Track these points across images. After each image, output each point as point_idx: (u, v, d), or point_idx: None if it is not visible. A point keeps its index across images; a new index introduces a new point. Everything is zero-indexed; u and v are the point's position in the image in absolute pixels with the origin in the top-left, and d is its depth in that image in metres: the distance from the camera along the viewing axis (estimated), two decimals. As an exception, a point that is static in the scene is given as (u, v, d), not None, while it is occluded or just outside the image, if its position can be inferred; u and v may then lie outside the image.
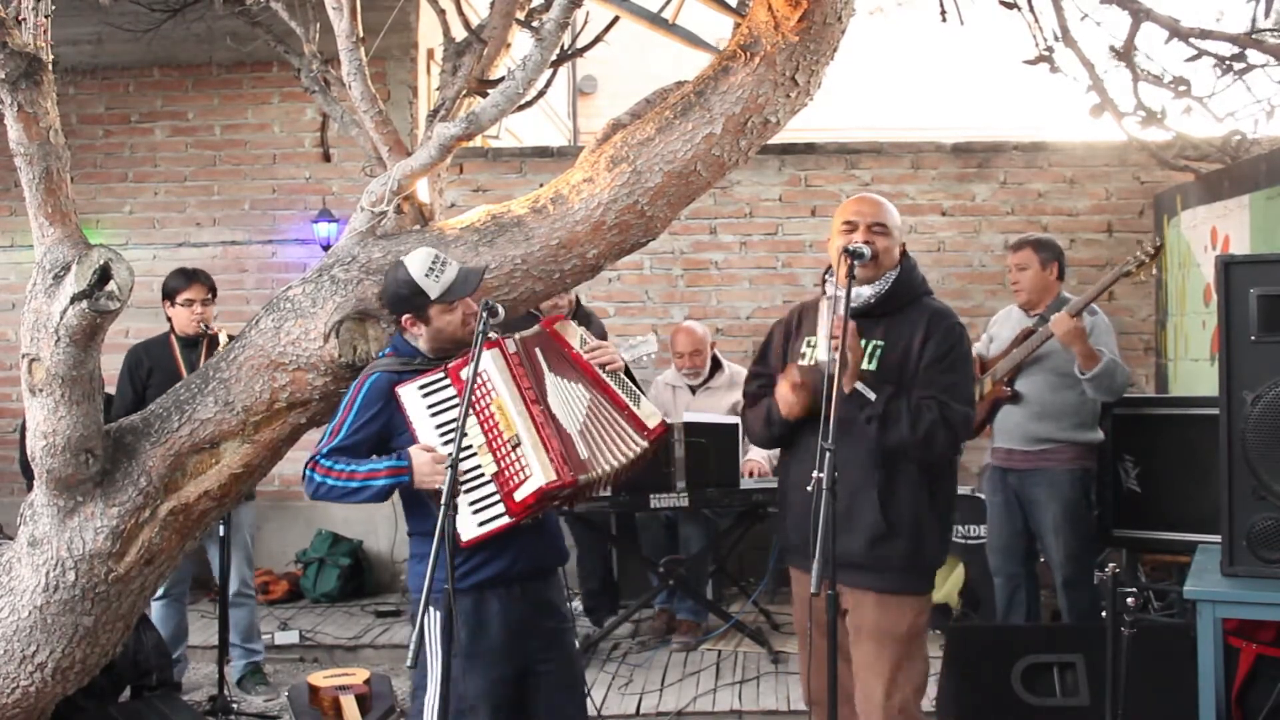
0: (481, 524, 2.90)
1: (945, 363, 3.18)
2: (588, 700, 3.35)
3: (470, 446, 2.93)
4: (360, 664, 5.32)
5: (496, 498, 2.92)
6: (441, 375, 2.99)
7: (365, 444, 3.00)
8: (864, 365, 3.19)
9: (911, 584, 3.20)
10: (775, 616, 5.85)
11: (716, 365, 5.91)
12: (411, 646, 2.65)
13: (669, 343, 6.06)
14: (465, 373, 2.91)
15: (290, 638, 5.81)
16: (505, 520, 2.92)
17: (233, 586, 5.04)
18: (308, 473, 3.00)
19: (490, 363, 2.96)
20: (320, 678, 4.67)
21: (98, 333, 2.99)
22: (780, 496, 3.52)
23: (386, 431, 3.02)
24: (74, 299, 2.89)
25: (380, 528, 6.86)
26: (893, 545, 3.14)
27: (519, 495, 2.91)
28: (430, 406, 2.97)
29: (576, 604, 5.66)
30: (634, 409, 3.08)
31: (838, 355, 2.95)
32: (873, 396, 3.11)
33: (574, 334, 3.15)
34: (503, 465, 2.92)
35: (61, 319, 2.91)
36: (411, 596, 3.07)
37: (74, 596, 3.18)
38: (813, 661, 3.18)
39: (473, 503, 2.91)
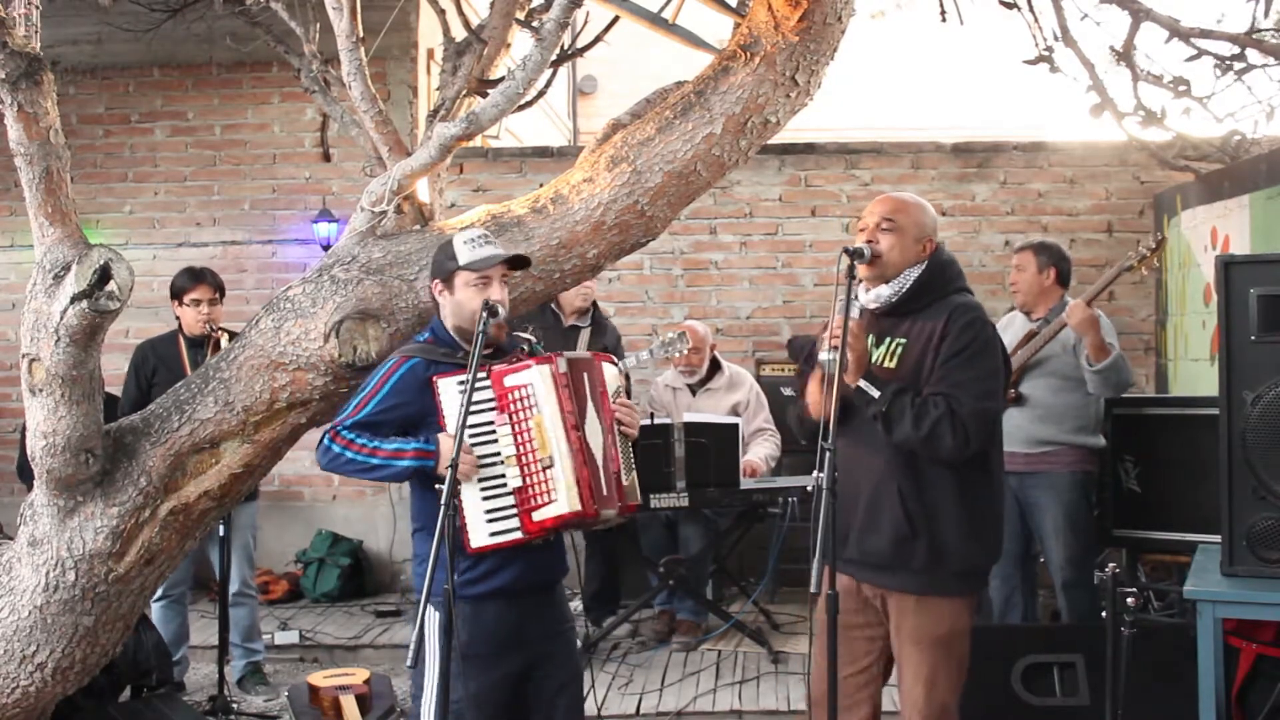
0: (493, 534, 2.91)
1: (960, 358, 3.08)
2: (588, 700, 3.35)
3: (498, 454, 2.94)
4: (360, 664, 5.32)
5: (513, 512, 2.93)
6: (483, 375, 2.96)
7: (390, 425, 2.99)
8: (886, 363, 3.15)
9: (946, 585, 3.11)
10: (775, 616, 5.85)
11: (716, 366, 5.91)
12: (412, 647, 2.65)
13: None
14: (510, 380, 2.95)
15: (290, 638, 5.81)
16: (517, 536, 2.92)
17: (233, 586, 5.04)
18: (325, 441, 2.99)
19: (538, 379, 2.95)
20: (320, 678, 4.68)
21: (98, 333, 2.99)
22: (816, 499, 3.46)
23: (415, 417, 2.99)
24: (74, 299, 2.88)
25: (380, 528, 6.86)
26: (914, 545, 3.07)
27: (538, 516, 2.91)
28: (472, 404, 2.93)
29: (576, 603, 5.66)
30: (623, 477, 3.05)
31: (835, 355, 2.93)
32: (876, 394, 3.06)
33: (613, 380, 3.14)
34: (528, 482, 2.92)
35: (61, 319, 2.91)
36: (414, 596, 3.07)
37: (74, 596, 3.18)
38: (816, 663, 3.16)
39: (489, 511, 2.92)
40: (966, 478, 3.11)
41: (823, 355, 3.04)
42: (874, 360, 3.17)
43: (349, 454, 2.97)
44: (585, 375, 3.06)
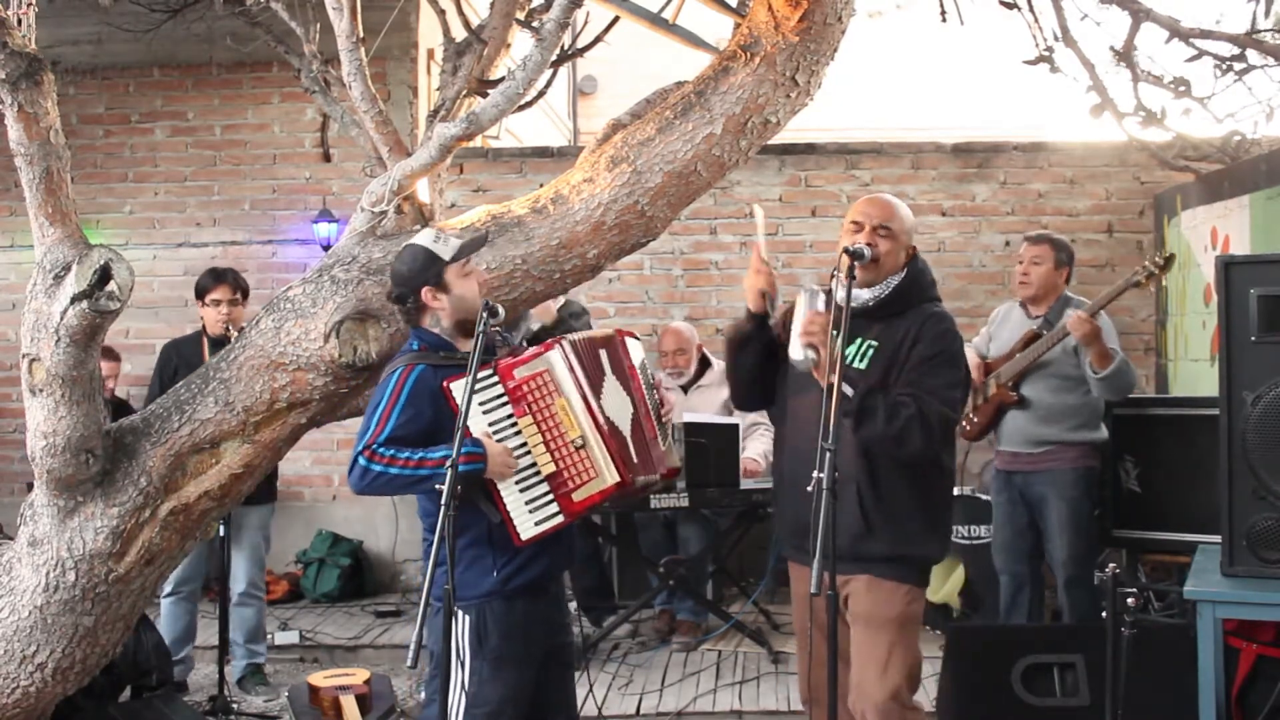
0: (538, 523, 2.96)
1: (932, 363, 3.16)
2: (588, 700, 3.37)
3: (524, 445, 2.98)
4: (360, 664, 5.32)
5: (550, 498, 2.98)
6: (490, 373, 3.00)
7: (415, 436, 2.94)
8: (856, 364, 3.20)
9: (899, 573, 3.19)
10: (775, 616, 5.85)
11: (706, 364, 5.91)
12: (412, 648, 2.64)
13: (656, 343, 6.06)
14: (522, 370, 2.99)
15: (290, 638, 5.80)
16: (560, 520, 2.98)
17: (241, 586, 5.05)
18: (362, 463, 2.92)
19: (555, 362, 3.01)
20: (320, 678, 4.68)
21: (98, 333, 2.99)
22: (774, 488, 3.54)
23: (435, 425, 2.96)
24: (74, 299, 2.89)
25: (380, 528, 6.85)
26: (873, 543, 3.14)
27: (579, 495, 2.97)
28: (481, 404, 2.98)
29: (575, 604, 5.66)
30: (660, 443, 3.18)
31: (812, 353, 2.99)
32: (850, 392, 3.10)
33: (638, 353, 3.24)
34: (562, 466, 2.98)
35: (62, 319, 2.91)
36: (414, 597, 3.08)
37: (74, 596, 3.18)
38: (811, 660, 3.18)
39: (529, 502, 2.97)
40: (921, 478, 3.21)
41: (796, 355, 3.11)
42: (845, 360, 3.20)
43: (393, 470, 2.90)
44: (601, 351, 3.13)
